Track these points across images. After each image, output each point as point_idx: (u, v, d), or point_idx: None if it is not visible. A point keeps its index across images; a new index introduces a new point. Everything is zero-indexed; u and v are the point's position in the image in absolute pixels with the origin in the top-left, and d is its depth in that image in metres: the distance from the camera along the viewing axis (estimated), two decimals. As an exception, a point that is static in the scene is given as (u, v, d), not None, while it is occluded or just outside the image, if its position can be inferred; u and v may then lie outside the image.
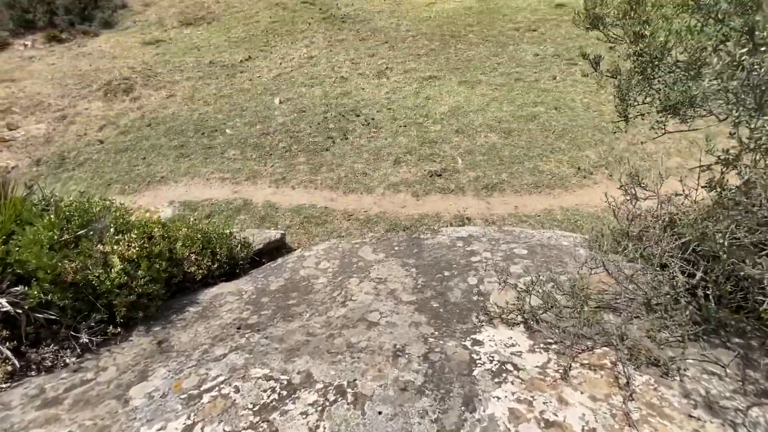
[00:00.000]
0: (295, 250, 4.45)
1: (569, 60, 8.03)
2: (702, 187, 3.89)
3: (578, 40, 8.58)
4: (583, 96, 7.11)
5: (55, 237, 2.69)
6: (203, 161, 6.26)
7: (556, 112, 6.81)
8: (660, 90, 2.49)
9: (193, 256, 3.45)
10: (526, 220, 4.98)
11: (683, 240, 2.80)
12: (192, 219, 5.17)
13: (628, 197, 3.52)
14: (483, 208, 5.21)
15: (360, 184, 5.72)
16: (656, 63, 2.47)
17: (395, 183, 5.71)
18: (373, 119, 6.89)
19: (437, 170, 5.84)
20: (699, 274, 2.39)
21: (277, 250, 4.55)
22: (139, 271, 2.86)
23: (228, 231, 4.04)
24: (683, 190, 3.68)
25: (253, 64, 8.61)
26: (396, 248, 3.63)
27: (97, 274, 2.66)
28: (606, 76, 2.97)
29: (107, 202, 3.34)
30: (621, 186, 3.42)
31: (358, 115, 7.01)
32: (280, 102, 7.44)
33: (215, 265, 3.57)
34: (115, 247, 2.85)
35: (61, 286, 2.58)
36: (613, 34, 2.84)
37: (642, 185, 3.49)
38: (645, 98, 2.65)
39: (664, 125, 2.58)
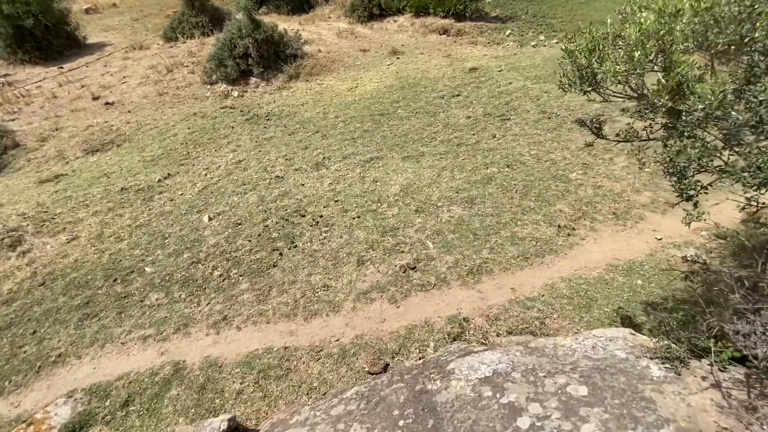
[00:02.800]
0: (254, 437, 3.04)
1: (501, 117, 7.85)
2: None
3: (502, 98, 8.56)
4: (529, 148, 6.75)
5: None
6: (117, 318, 4.74)
7: (510, 170, 6.30)
8: (741, 158, 1.77)
9: None
10: (531, 306, 4.02)
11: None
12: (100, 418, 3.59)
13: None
14: (477, 301, 4.21)
15: (323, 303, 4.51)
16: (710, 124, 1.78)
17: (365, 291, 4.59)
18: (321, 217, 5.89)
19: (409, 263, 4.83)
20: None
21: (227, 442, 3.09)
22: None
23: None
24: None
25: (174, 181, 7.44)
26: (401, 421, 2.41)
27: None
28: (616, 141, 2.30)
29: None
30: (687, 258, 2.59)
31: (303, 216, 5.98)
32: (210, 219, 6.24)
33: None
34: None
35: None
36: (612, 92, 2.20)
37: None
38: (703, 168, 1.94)
39: (758, 201, 1.87)
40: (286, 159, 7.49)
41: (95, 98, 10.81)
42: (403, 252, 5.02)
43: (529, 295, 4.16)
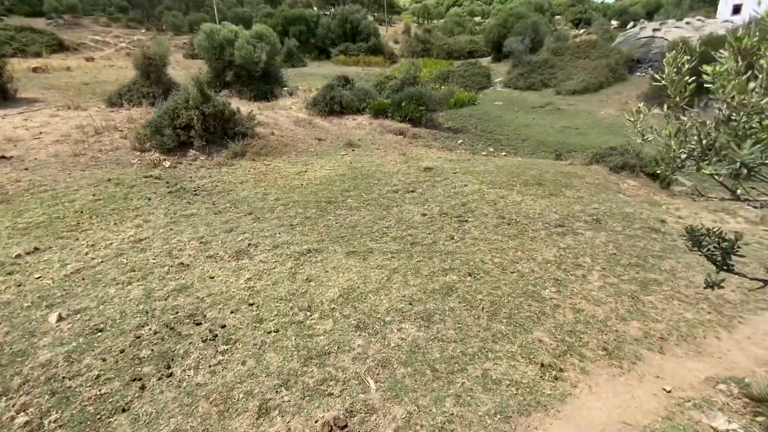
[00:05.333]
0: None
1: (458, 218, 6.97)
2: None
3: (458, 198, 7.86)
4: (491, 255, 5.72)
5: None
6: None
7: (472, 280, 5.10)
8: None
9: None
10: None
11: None
12: None
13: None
14: (439, 502, 2.51)
15: (181, 496, 2.54)
16: None
17: (260, 469, 2.71)
18: (223, 327, 4.10)
19: (338, 417, 3.09)
20: None
21: None
22: None
23: None
24: None
25: (38, 258, 5.35)
26: None
27: None
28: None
29: None
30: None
31: (198, 323, 4.14)
32: (61, 318, 4.17)
33: None
34: None
35: None
36: None
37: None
38: None
39: None
40: (201, 242, 5.80)
41: (-11, 150, 8.73)
42: (331, 395, 3.30)
43: (519, 493, 2.55)
